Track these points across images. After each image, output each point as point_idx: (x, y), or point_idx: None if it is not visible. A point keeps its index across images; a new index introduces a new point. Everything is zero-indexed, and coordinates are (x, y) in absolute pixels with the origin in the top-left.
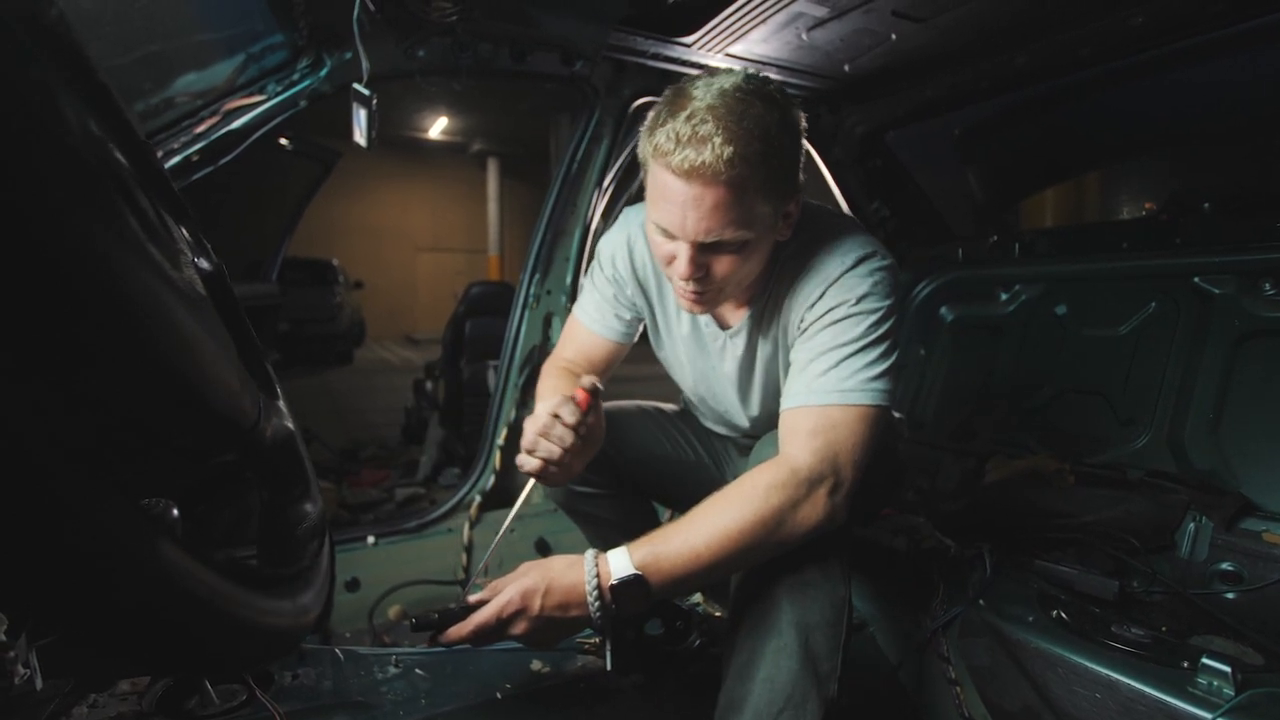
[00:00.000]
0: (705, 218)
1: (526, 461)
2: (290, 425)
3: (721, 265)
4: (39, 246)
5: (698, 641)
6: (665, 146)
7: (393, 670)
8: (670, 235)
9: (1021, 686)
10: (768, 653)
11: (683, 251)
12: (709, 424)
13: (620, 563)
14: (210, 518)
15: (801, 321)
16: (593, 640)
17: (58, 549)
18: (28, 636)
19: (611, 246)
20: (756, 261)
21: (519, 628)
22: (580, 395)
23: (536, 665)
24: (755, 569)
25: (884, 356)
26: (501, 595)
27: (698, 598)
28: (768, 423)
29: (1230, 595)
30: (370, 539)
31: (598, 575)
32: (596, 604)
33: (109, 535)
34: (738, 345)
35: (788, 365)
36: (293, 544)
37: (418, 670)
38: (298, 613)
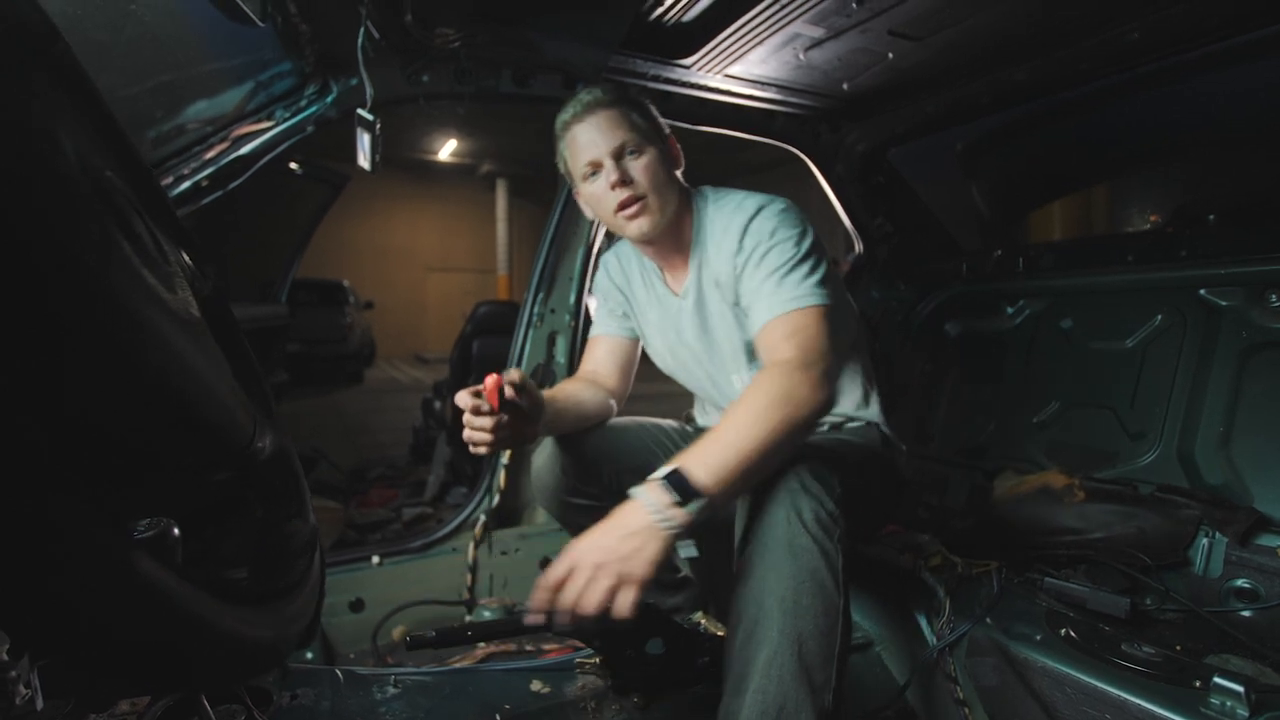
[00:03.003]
0: (609, 130)
1: (471, 446)
2: (286, 444)
3: (637, 167)
4: (26, 271)
5: (699, 662)
6: (566, 116)
7: (392, 690)
8: (597, 167)
9: (1030, 706)
10: (759, 664)
11: (608, 165)
12: (711, 422)
13: (662, 471)
14: (219, 539)
15: (735, 269)
16: (592, 660)
17: (27, 563)
18: (30, 657)
19: (601, 266)
20: (664, 171)
21: (599, 576)
22: (488, 383)
23: (537, 685)
24: (747, 581)
25: (813, 270)
26: (559, 562)
27: (698, 616)
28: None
29: (1247, 613)
30: (375, 559)
31: (645, 489)
32: (656, 510)
33: (77, 548)
34: (688, 305)
35: (734, 317)
36: (283, 559)
37: (417, 690)
38: (282, 626)
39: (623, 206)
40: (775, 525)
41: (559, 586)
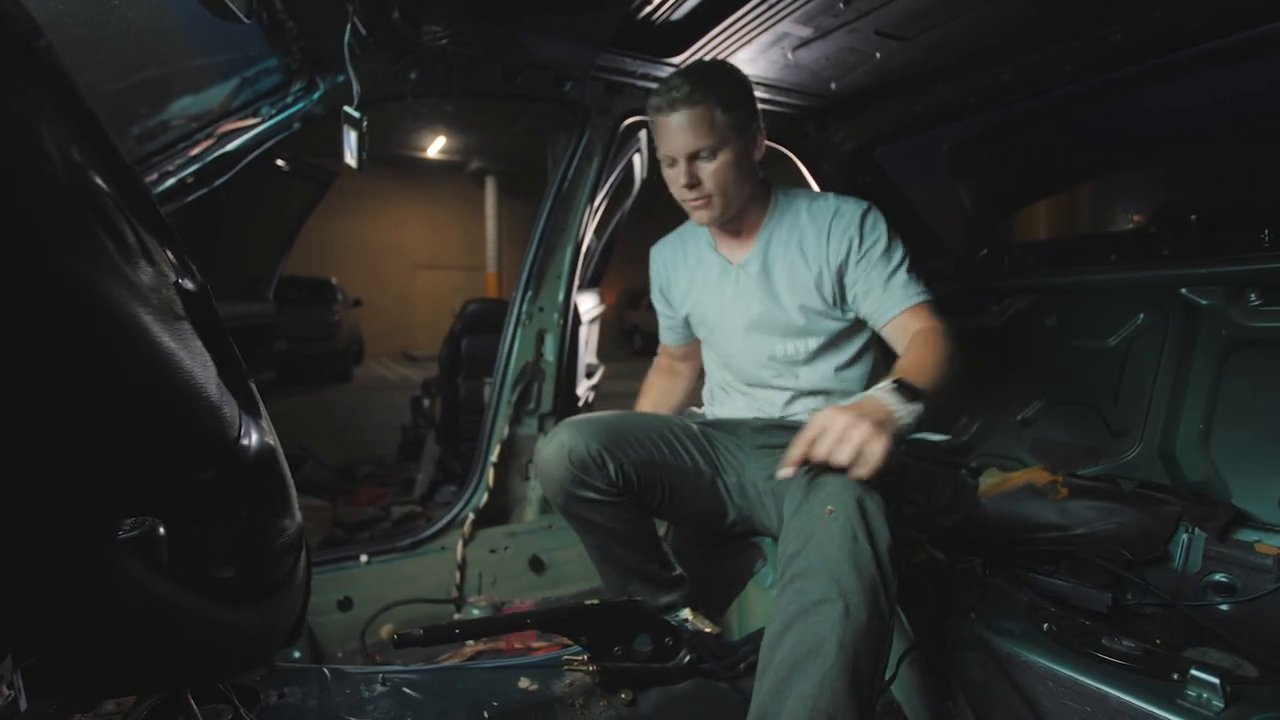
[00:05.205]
0: (689, 131)
1: None
2: (272, 441)
3: (706, 171)
4: (8, 271)
5: (686, 658)
6: (653, 105)
7: (380, 689)
8: (673, 161)
9: (1013, 700)
10: (813, 674)
11: (681, 165)
12: (740, 410)
13: (886, 383)
14: (205, 538)
15: (850, 245)
16: (580, 657)
17: (11, 563)
18: (13, 657)
19: (651, 260)
20: (735, 171)
21: (851, 432)
22: None
23: (525, 683)
24: (802, 588)
25: (914, 267)
26: (809, 427)
27: (686, 613)
28: (786, 346)
29: (1224, 607)
30: (363, 557)
31: (879, 390)
32: (893, 403)
33: (63, 548)
34: (750, 273)
35: (817, 272)
36: (268, 558)
37: (405, 688)
38: (267, 625)
39: (689, 198)
40: (843, 539)
41: (811, 443)
